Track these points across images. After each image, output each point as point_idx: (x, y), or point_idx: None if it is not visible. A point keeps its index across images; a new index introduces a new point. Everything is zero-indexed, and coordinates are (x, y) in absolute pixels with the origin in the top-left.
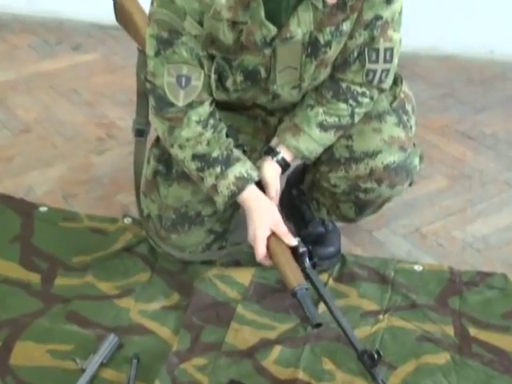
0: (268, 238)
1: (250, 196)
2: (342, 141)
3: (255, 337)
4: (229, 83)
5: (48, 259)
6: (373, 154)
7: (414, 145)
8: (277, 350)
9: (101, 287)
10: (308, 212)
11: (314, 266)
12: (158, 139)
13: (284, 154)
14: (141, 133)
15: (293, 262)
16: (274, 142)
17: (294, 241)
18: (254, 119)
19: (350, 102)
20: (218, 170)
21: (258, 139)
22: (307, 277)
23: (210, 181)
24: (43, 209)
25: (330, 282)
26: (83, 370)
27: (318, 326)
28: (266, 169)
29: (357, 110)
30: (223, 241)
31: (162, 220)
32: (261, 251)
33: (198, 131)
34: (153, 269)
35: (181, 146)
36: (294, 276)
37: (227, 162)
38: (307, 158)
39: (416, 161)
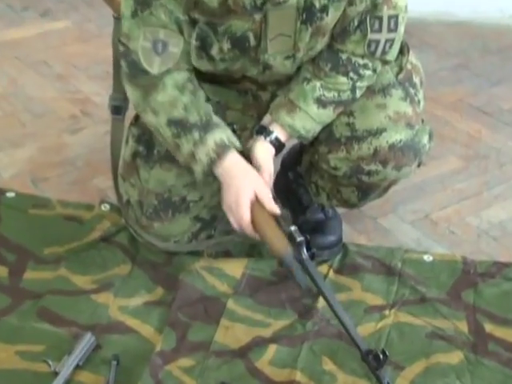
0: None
1: (232, 163)
2: (342, 118)
3: (248, 335)
4: (214, 51)
5: (16, 250)
6: (377, 133)
7: (423, 121)
8: (272, 350)
9: (76, 281)
10: (306, 197)
11: (312, 256)
12: (137, 117)
13: (278, 133)
14: (118, 110)
15: (278, 229)
16: (266, 120)
17: (277, 209)
18: (243, 94)
19: (351, 74)
20: (196, 135)
21: (248, 116)
22: (305, 269)
23: (187, 148)
24: (10, 194)
25: (331, 274)
26: (56, 373)
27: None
28: (258, 150)
29: (358, 83)
30: (211, 229)
31: (142, 206)
32: (245, 216)
33: (174, 95)
34: (134, 260)
35: (155, 111)
36: (280, 243)
37: (206, 128)
38: (304, 138)
39: (425, 139)
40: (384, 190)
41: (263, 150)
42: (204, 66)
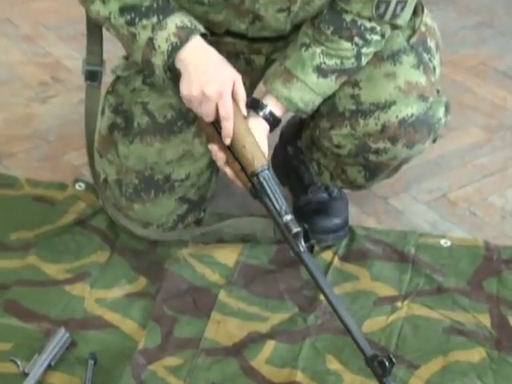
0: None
1: (199, 47)
2: (346, 89)
3: (242, 330)
4: None
5: None
6: (385, 106)
7: (438, 92)
8: (269, 347)
9: (47, 270)
10: (307, 174)
11: (311, 249)
12: (115, 84)
13: (272, 107)
14: (93, 76)
15: (252, 136)
16: (259, 92)
17: (245, 111)
18: (234, 58)
19: (356, 39)
20: (155, 19)
21: None
22: (303, 264)
23: (144, 35)
24: None
25: (336, 261)
26: (26, 374)
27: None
28: (251, 126)
29: (364, 49)
30: (200, 212)
31: (121, 186)
32: (227, 104)
33: None
34: (113, 247)
35: (103, 0)
36: (255, 154)
37: (165, 11)
38: (302, 112)
39: (440, 112)
40: (394, 170)
41: (256, 126)
42: (180, 2)
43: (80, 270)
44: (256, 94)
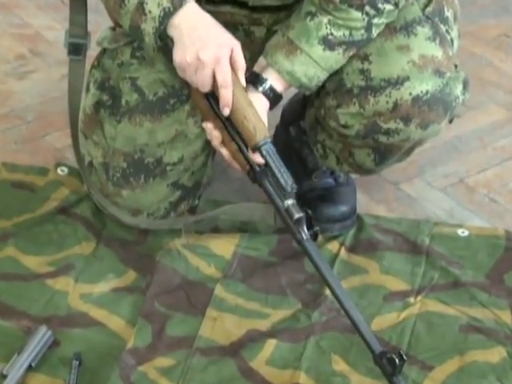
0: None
1: (192, 13)
2: (354, 64)
3: (240, 328)
4: None
5: None
6: (397, 82)
7: (456, 67)
8: (270, 346)
9: (27, 263)
10: (311, 157)
11: (314, 237)
12: (100, 57)
13: (273, 81)
14: (77, 49)
15: (253, 107)
16: (259, 66)
17: (244, 82)
18: (233, 29)
19: (367, 9)
20: None
21: None
22: (305, 253)
23: None
24: None
25: (342, 252)
26: (4, 376)
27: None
28: None
29: (375, 20)
30: (194, 199)
31: (108, 170)
32: (226, 71)
33: None
34: (99, 237)
35: None
36: (257, 126)
37: None
38: (306, 87)
39: (458, 89)
40: (406, 153)
41: (255, 102)
42: None
43: (63, 263)
44: (255, 69)
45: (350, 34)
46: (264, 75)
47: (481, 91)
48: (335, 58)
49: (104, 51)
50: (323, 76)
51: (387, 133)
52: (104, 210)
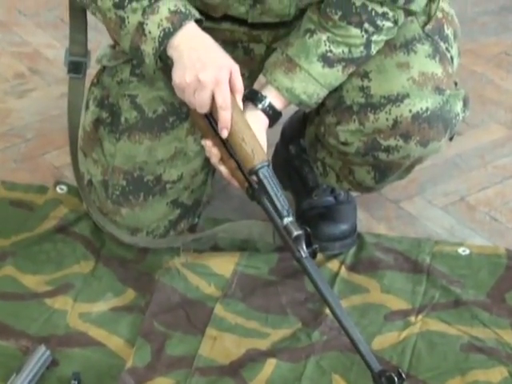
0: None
1: (191, 34)
2: (354, 81)
3: (240, 347)
4: None
5: None
6: (397, 99)
7: (456, 84)
8: (270, 366)
9: (25, 282)
10: (311, 175)
11: (313, 254)
12: (99, 75)
13: (272, 98)
14: (77, 67)
15: (251, 129)
16: (258, 83)
17: (241, 105)
18: (232, 47)
19: (366, 26)
20: (146, 1)
21: None
22: (304, 271)
23: (134, 19)
24: None
25: (343, 271)
26: None
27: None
28: (248, 120)
29: (374, 37)
30: (194, 217)
31: (107, 188)
32: (225, 92)
33: None
34: (98, 256)
35: None
36: (255, 149)
37: None
38: (306, 105)
39: (458, 107)
40: (406, 171)
41: (254, 120)
42: None
43: (62, 282)
44: (255, 86)
45: (349, 51)
46: (263, 92)
47: (481, 109)
48: (334, 75)
49: (103, 69)
50: (323, 93)
51: (387, 150)
52: (103, 229)
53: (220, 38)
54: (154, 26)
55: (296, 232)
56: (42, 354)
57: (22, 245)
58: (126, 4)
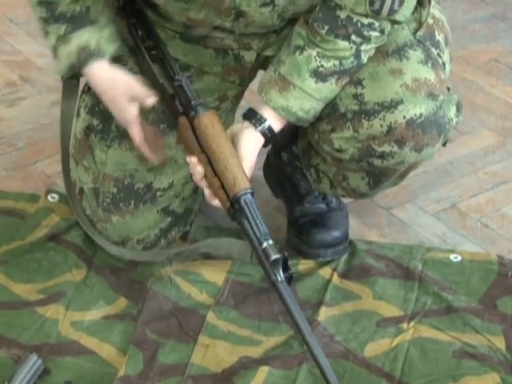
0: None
1: (93, 75)
2: (348, 88)
3: (233, 355)
4: None
5: None
6: (391, 106)
7: (449, 90)
8: (263, 373)
9: (17, 291)
10: (304, 182)
11: (289, 279)
12: None
13: (271, 119)
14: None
15: (236, 157)
16: (256, 105)
17: (151, 98)
18: (222, 54)
19: (353, 38)
20: (62, 29)
21: (228, 82)
22: (278, 295)
23: (52, 39)
24: None
25: (335, 278)
26: None
27: (275, 261)
28: (246, 141)
29: (363, 47)
30: (185, 225)
31: (98, 195)
32: (136, 133)
33: None
34: (90, 264)
35: None
36: (238, 176)
37: (77, 22)
38: (304, 121)
39: (451, 112)
40: (401, 177)
41: (251, 140)
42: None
43: (54, 290)
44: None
45: (340, 64)
46: (263, 114)
47: (472, 116)
48: (329, 89)
49: None
50: (319, 107)
51: (382, 156)
52: (96, 236)
53: (211, 45)
54: (64, 55)
55: (274, 256)
56: (33, 362)
57: (13, 253)
58: (50, 22)
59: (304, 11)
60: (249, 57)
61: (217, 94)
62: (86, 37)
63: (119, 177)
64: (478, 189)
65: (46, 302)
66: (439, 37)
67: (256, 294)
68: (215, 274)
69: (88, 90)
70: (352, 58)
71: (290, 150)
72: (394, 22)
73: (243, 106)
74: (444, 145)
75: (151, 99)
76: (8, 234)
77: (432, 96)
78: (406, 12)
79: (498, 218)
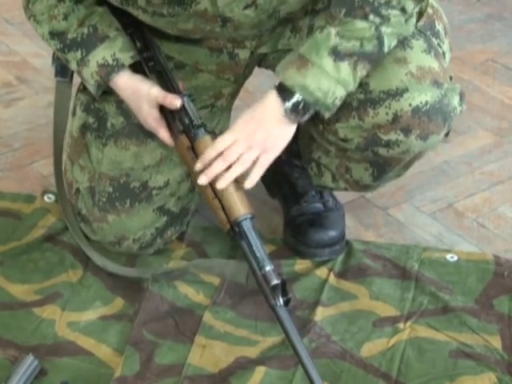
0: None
1: (118, 87)
2: None
3: (230, 355)
4: (141, 2)
5: None
6: (396, 94)
7: (451, 78)
8: (260, 373)
9: (13, 291)
10: (301, 181)
11: (286, 303)
12: None
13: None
14: (64, 71)
15: (238, 184)
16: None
17: (178, 101)
18: (217, 53)
19: (371, 17)
20: (79, 54)
21: (223, 79)
22: (277, 319)
23: (73, 65)
24: None
25: (332, 278)
26: None
27: (275, 285)
28: (265, 100)
29: (384, 28)
30: (182, 225)
31: (94, 195)
32: (165, 137)
33: (50, 4)
34: (86, 265)
35: (37, 21)
36: (240, 202)
37: (88, 44)
38: (322, 104)
39: (455, 100)
40: (405, 167)
41: (271, 101)
42: (142, 17)
43: (50, 291)
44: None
45: (361, 45)
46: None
47: (468, 116)
48: (346, 70)
49: None
50: (339, 92)
51: (387, 145)
52: (90, 238)
53: (206, 45)
54: (88, 76)
55: (275, 281)
56: (30, 363)
57: (9, 254)
58: (65, 51)
59: (297, 10)
60: (243, 54)
61: (212, 92)
62: (101, 55)
63: (115, 176)
64: (475, 189)
65: (42, 302)
66: (439, 26)
67: (253, 295)
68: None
69: (83, 88)
70: (375, 42)
71: (288, 148)
72: None
73: (238, 105)
74: (447, 135)
75: (176, 102)
76: (4, 234)
77: (437, 84)
78: None
79: (495, 217)
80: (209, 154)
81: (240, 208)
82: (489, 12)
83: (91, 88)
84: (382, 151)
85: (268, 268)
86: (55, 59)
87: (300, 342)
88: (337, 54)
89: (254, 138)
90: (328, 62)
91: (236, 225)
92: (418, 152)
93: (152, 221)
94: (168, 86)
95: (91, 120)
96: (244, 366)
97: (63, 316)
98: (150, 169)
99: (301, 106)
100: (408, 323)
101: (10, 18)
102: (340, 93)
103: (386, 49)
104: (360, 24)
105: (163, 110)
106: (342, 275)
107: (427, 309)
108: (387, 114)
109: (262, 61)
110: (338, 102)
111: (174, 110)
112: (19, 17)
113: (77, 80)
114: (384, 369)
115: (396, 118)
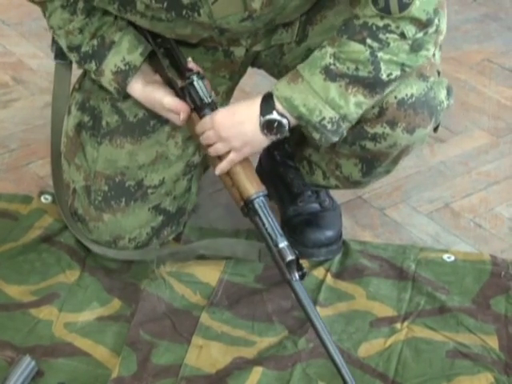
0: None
1: (135, 92)
2: None
3: (227, 356)
4: (140, 7)
5: None
6: None
7: (439, 73)
8: (257, 374)
9: (10, 292)
10: (296, 182)
11: (302, 277)
12: (81, 81)
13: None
14: (64, 53)
15: (248, 161)
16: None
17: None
18: (212, 50)
19: (369, 41)
20: (93, 65)
21: (219, 77)
22: (294, 293)
23: (93, 76)
24: None
25: (328, 278)
26: None
27: (290, 261)
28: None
29: (381, 54)
30: (178, 225)
31: (90, 193)
32: (183, 109)
33: (65, 18)
34: (83, 265)
35: (57, 34)
36: (252, 180)
37: (100, 55)
38: (307, 120)
39: (442, 94)
40: (393, 162)
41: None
42: (140, 22)
43: (47, 292)
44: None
45: (356, 69)
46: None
47: (465, 116)
48: (337, 90)
49: (85, 73)
50: (327, 112)
51: (374, 138)
52: (89, 236)
53: (201, 43)
54: (107, 84)
55: (290, 257)
56: (27, 364)
57: (6, 255)
58: (83, 63)
59: (293, 18)
60: (238, 52)
61: None
62: (112, 63)
63: (110, 174)
64: (471, 189)
65: (39, 303)
66: None
67: (250, 295)
68: (209, 275)
69: (78, 87)
70: (369, 66)
71: (282, 149)
72: (416, 21)
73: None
74: (435, 130)
75: (182, 117)
76: (1, 235)
77: (423, 77)
78: (426, 7)
79: (491, 217)
80: (196, 131)
81: (250, 186)
82: (485, 12)
83: (114, 93)
84: (370, 145)
85: (282, 244)
86: (55, 41)
87: (317, 315)
88: (328, 73)
89: (227, 132)
90: (318, 80)
91: (249, 202)
92: (405, 146)
93: (147, 220)
94: (177, 62)
95: (86, 118)
96: (241, 366)
97: (60, 317)
98: (145, 167)
99: (275, 125)
100: (405, 323)
101: (6, 18)
102: (329, 114)
103: (384, 76)
104: (356, 46)
105: (174, 89)
106: (338, 275)
107: (424, 309)
108: (373, 107)
109: (255, 59)
110: (328, 125)
111: (184, 88)
112: (16, 17)
113: (76, 71)
114: (381, 369)
115: (382, 110)
